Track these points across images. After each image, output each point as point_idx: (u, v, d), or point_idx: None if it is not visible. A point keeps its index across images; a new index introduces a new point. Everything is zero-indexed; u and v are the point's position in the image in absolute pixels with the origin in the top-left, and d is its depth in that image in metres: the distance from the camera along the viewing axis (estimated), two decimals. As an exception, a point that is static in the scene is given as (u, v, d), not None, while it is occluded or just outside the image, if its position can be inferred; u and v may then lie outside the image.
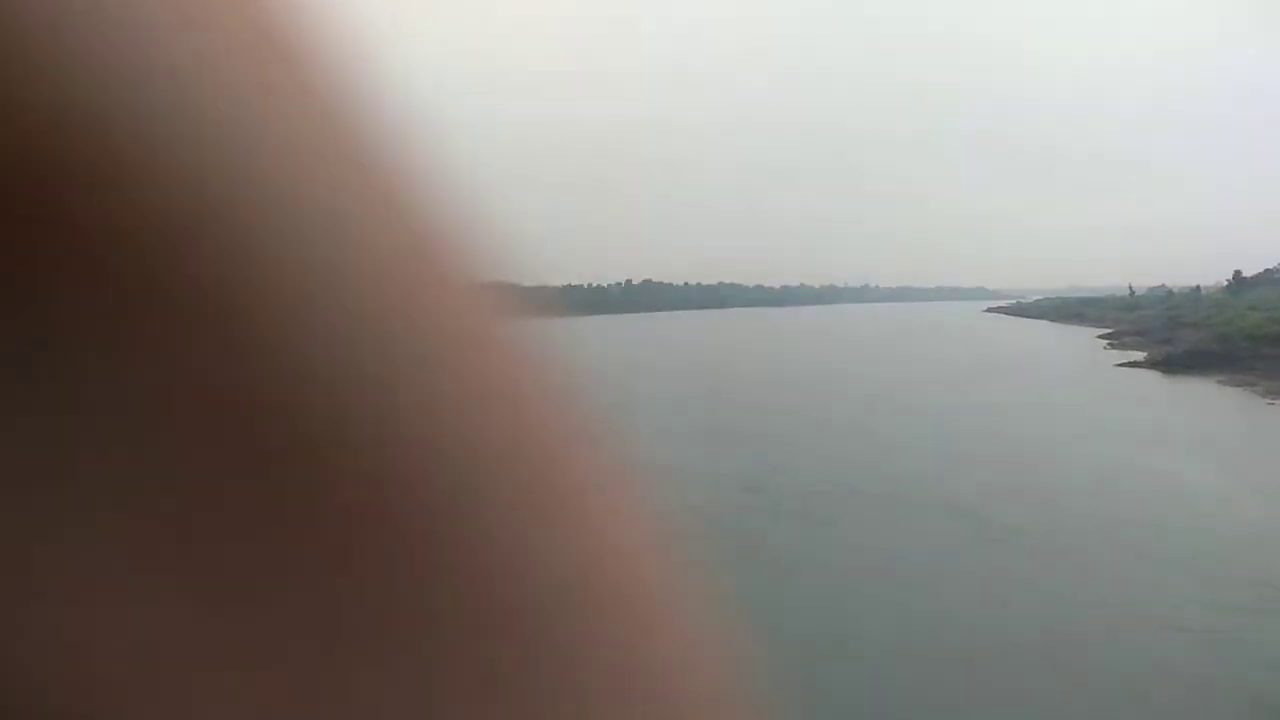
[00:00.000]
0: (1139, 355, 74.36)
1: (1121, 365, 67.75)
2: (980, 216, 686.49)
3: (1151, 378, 60.37)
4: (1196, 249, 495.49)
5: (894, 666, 14.88)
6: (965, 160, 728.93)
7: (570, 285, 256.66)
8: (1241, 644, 15.48)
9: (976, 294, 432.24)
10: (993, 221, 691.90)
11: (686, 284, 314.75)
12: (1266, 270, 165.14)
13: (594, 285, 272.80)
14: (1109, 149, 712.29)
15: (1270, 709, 13.20)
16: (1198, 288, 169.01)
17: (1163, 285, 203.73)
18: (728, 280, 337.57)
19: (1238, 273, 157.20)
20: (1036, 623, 16.51)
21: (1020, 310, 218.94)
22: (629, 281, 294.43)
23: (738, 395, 52.30)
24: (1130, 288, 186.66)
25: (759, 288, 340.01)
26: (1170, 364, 64.09)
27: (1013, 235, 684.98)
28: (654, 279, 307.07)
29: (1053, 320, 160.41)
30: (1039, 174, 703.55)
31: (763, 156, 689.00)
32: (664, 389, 53.57)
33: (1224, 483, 27.78)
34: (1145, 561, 19.91)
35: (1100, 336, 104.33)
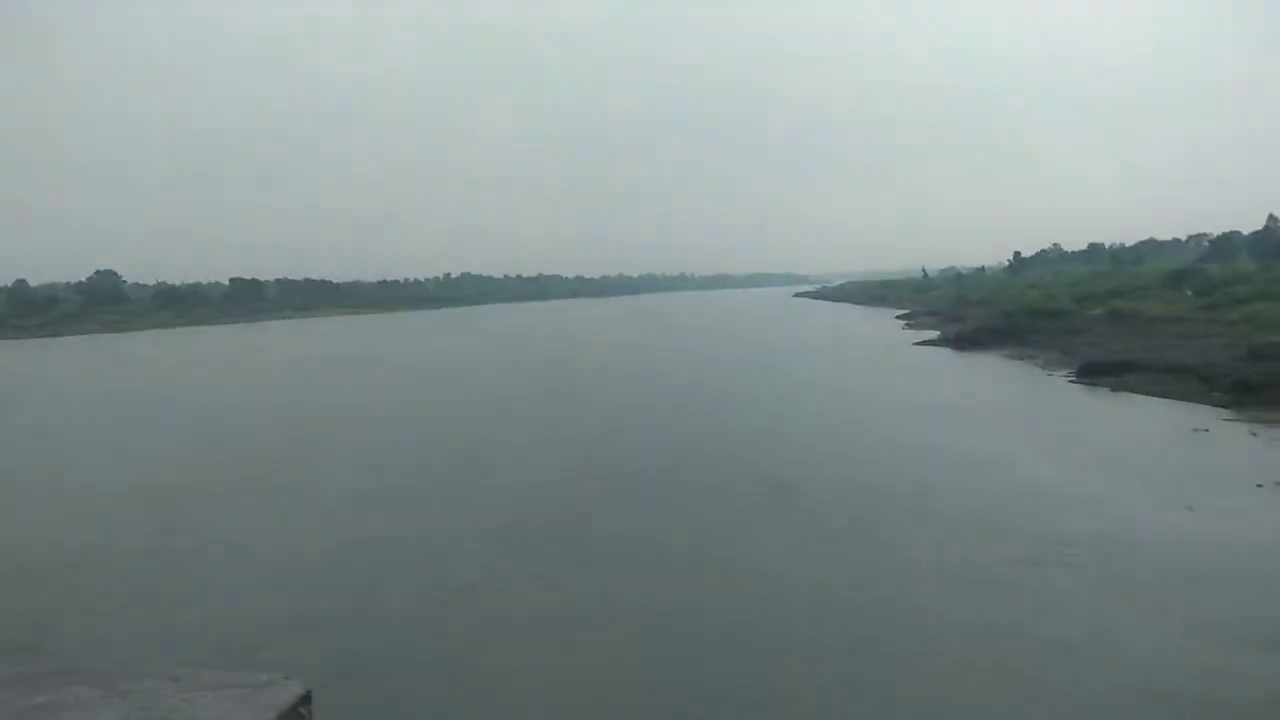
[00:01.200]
0: (934, 334, 79.03)
1: (919, 344, 71.63)
2: (785, 205, 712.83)
3: (945, 354, 64.16)
4: (980, 232, 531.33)
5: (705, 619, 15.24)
6: (763, 149, 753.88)
7: (386, 281, 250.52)
8: (1024, 592, 16.65)
9: (786, 280, 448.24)
10: (796, 210, 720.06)
11: (507, 276, 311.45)
12: (1042, 251, 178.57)
13: (411, 279, 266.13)
14: (894, 142, 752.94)
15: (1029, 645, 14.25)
16: (983, 268, 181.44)
17: (952, 267, 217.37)
18: (548, 272, 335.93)
19: (1017, 254, 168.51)
20: (839, 586, 17.21)
21: (826, 294, 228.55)
22: (447, 275, 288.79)
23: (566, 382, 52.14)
24: (924, 270, 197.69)
25: (579, 279, 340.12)
26: (961, 340, 68.35)
27: (815, 223, 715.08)
28: (473, 271, 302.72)
29: (856, 303, 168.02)
30: (831, 165, 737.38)
31: (574, 143, 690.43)
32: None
33: (1009, 448, 29.87)
34: (946, 522, 21.12)
35: (899, 317, 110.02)
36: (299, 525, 23.24)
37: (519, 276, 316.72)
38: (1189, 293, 71.75)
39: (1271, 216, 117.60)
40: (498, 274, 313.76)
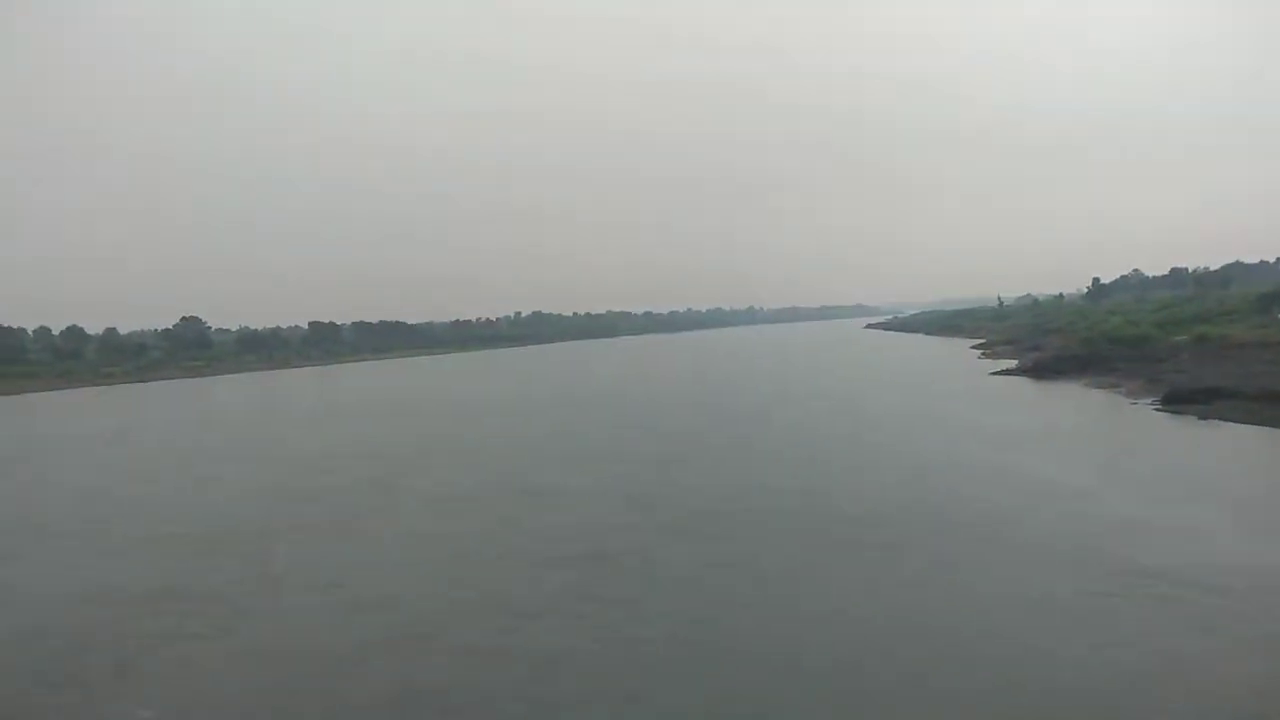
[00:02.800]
0: (1011, 363, 77.65)
1: (996, 373, 70.32)
2: (853, 234, 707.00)
3: (1023, 383, 62.76)
4: (1058, 258, 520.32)
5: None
6: (832, 178, 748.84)
7: (460, 321, 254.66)
8: (1108, 621, 16.08)
9: (856, 311, 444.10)
10: (868, 239, 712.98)
11: (575, 314, 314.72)
12: (1122, 276, 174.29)
13: (484, 319, 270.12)
14: (966, 169, 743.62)
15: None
16: (1060, 295, 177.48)
17: (1028, 294, 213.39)
18: (617, 308, 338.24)
19: (1096, 279, 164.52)
20: (918, 614, 16.83)
21: (899, 325, 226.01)
22: (518, 314, 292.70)
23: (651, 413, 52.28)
24: (999, 298, 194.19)
25: (648, 314, 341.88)
26: (1040, 369, 66.84)
27: (887, 252, 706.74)
28: (543, 310, 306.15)
29: (930, 333, 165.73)
30: (902, 192, 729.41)
31: (642, 177, 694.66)
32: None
33: (1092, 478, 29.01)
34: (1025, 555, 20.55)
35: (974, 346, 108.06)
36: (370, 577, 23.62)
37: (588, 314, 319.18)
38: (1279, 316, 69.36)
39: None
40: (567, 311, 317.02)
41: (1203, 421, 39.76)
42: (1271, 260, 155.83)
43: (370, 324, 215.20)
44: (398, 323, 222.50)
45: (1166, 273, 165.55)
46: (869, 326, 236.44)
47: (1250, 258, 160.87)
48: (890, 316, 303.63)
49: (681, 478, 33.41)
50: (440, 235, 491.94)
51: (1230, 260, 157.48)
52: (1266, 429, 36.58)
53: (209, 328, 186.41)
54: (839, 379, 75.83)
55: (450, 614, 19.12)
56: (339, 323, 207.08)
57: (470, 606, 19.58)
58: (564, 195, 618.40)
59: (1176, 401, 44.11)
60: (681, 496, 29.91)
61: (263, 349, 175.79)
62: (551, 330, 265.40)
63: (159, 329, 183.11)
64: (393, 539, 26.37)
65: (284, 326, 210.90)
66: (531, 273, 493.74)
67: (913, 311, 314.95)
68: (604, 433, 47.93)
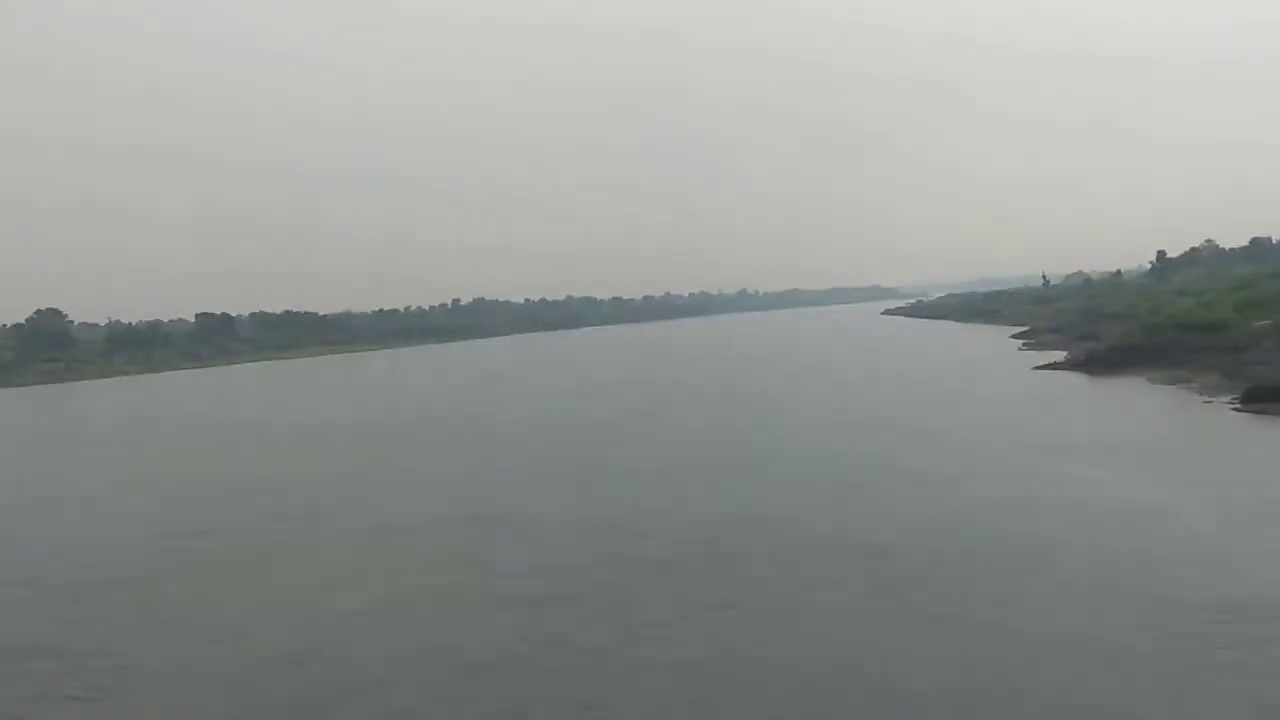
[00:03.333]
0: (1059, 355, 78.31)
1: (1041, 367, 71.11)
2: (867, 204, 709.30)
3: (1075, 380, 63.42)
4: (1114, 229, 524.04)
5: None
6: (842, 140, 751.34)
7: (383, 311, 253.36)
8: (1190, 668, 16.29)
9: (872, 294, 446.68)
10: (883, 209, 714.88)
11: (528, 300, 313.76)
12: (1192, 249, 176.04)
13: (415, 308, 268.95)
14: (1003, 124, 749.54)
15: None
16: (1118, 272, 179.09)
17: (1079, 272, 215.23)
18: (580, 293, 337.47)
19: (1161, 253, 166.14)
20: (950, 662, 16.98)
21: (922, 310, 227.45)
22: (457, 302, 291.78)
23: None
24: (1044, 277, 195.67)
25: (616, 300, 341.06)
26: (1094, 363, 67.57)
27: (906, 224, 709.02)
28: (488, 296, 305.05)
29: (960, 320, 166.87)
30: (924, 155, 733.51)
31: (612, 137, 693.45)
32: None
33: (1160, 495, 29.38)
34: (1082, 591, 20.77)
35: (1015, 336, 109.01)
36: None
37: (543, 300, 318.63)
38: (1383, 294, 70.44)
39: None
40: (518, 298, 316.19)
41: (1292, 424, 40.37)
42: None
43: (273, 315, 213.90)
44: (307, 314, 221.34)
45: (1247, 244, 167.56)
46: (886, 313, 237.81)
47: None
48: (913, 300, 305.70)
49: (667, 500, 33.53)
50: (363, 209, 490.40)
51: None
52: (1369, 432, 37.20)
53: (71, 322, 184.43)
54: (844, 381, 76.22)
55: (383, 668, 19.05)
56: (234, 314, 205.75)
57: (408, 659, 19.52)
58: (515, 164, 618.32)
59: (1260, 400, 44.69)
60: (666, 523, 30.02)
61: (138, 347, 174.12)
62: (498, 321, 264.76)
63: (8, 325, 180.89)
64: (312, 580, 26.24)
65: (166, 320, 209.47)
66: (474, 252, 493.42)
67: (940, 294, 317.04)
68: (565, 447, 47.96)
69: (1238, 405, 45.48)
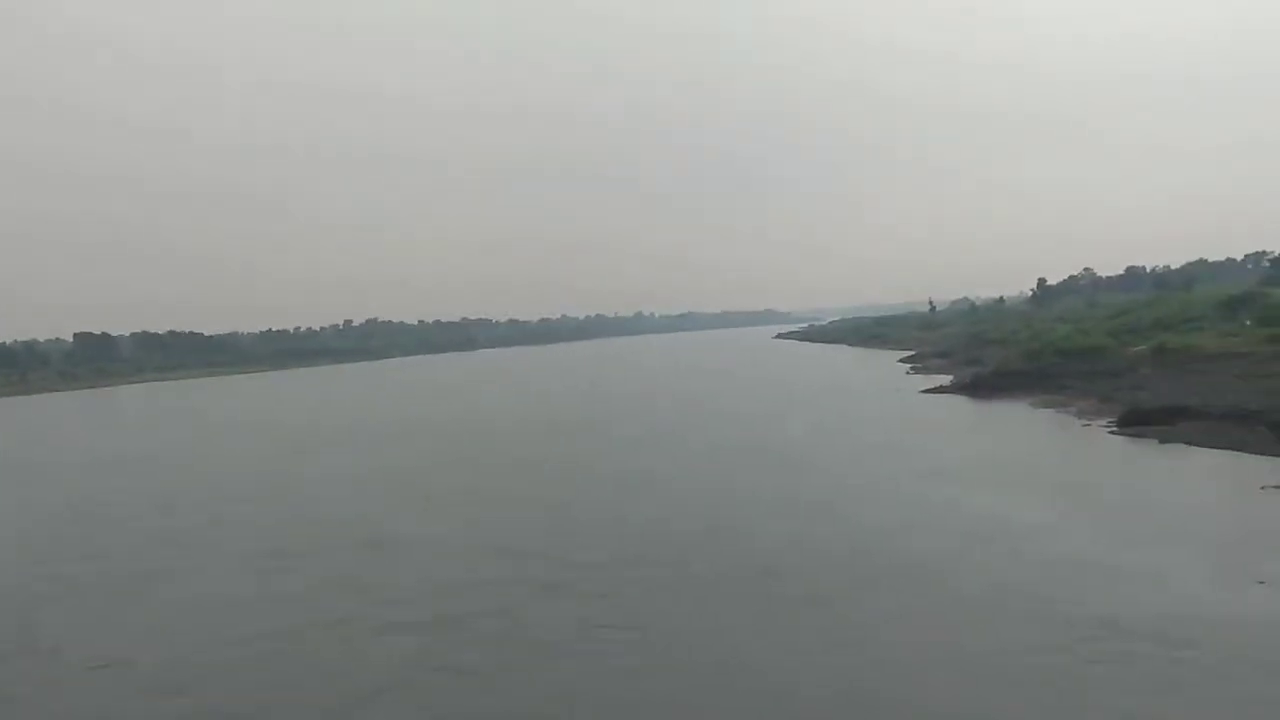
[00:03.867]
0: (945, 379, 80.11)
1: (928, 391, 72.66)
2: (762, 232, 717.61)
3: (960, 403, 64.83)
4: (997, 257, 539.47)
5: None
6: (734, 168, 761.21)
7: (273, 331, 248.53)
8: (1062, 682, 16.69)
9: (765, 318, 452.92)
10: (774, 237, 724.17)
11: (423, 322, 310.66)
12: (1071, 277, 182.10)
13: (304, 329, 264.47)
14: (891, 152, 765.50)
15: None
16: (1001, 299, 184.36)
17: (965, 298, 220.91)
18: (475, 315, 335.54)
19: (1042, 280, 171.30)
20: (828, 691, 17.14)
21: (814, 335, 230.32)
22: (349, 322, 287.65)
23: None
24: (931, 303, 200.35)
25: (513, 323, 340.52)
26: (978, 387, 69.25)
27: (798, 252, 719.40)
28: (381, 317, 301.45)
29: (851, 344, 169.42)
30: (815, 183, 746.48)
31: (511, 162, 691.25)
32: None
33: (1041, 514, 30.13)
34: (966, 607, 21.16)
35: (903, 360, 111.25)
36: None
37: (438, 322, 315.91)
38: (1248, 322, 73.39)
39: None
40: (412, 319, 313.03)
41: (1164, 446, 41.78)
42: (1239, 258, 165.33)
43: (156, 335, 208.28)
44: (192, 334, 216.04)
45: (1122, 272, 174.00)
46: (779, 336, 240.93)
47: (1215, 255, 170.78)
48: (805, 325, 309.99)
49: (560, 521, 33.38)
50: (251, 228, 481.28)
51: (1193, 258, 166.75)
52: (1235, 454, 38.66)
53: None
54: (735, 402, 76.82)
55: (266, 695, 18.59)
56: (115, 334, 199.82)
57: (291, 685, 19.11)
58: (406, 183, 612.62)
59: (1135, 423, 46.27)
60: (559, 545, 29.86)
61: (12, 368, 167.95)
62: (390, 342, 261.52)
63: None
64: (196, 604, 25.64)
65: (42, 340, 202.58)
66: (367, 271, 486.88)
67: (831, 319, 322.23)
68: (454, 473, 47.44)
69: (1115, 428, 46.97)
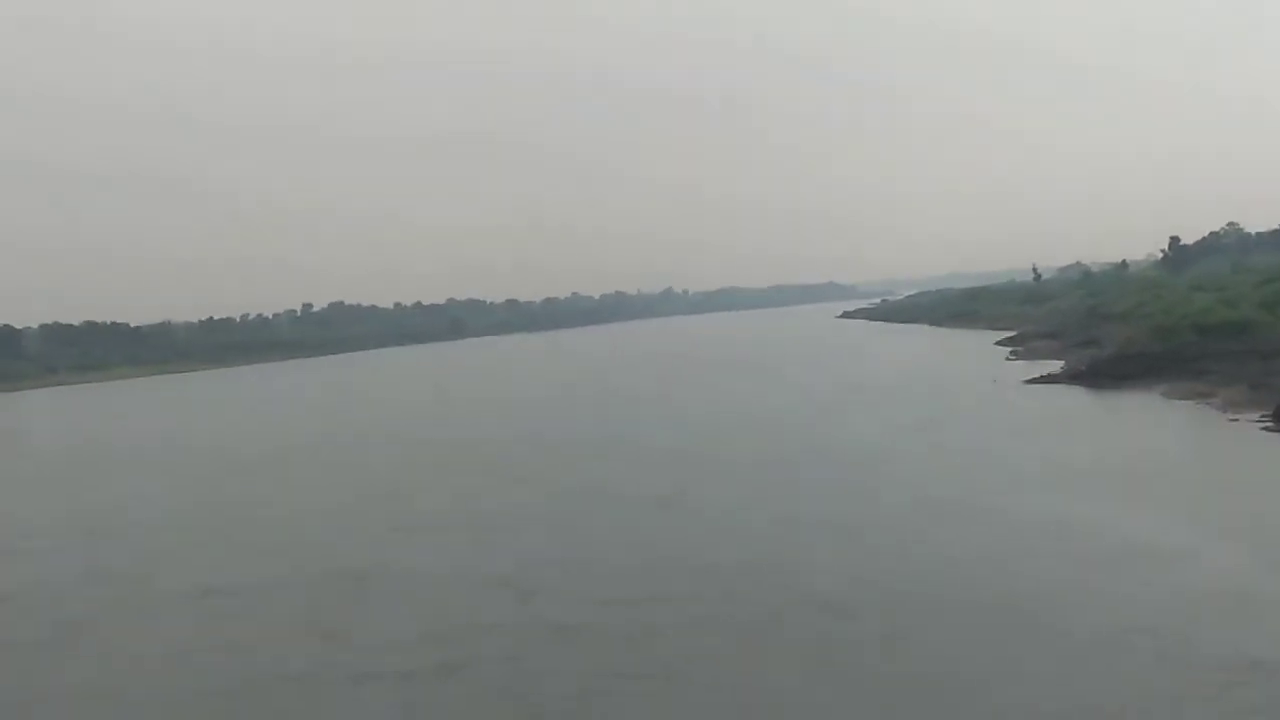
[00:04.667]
0: (1054, 365, 79.85)
1: (1033, 381, 72.35)
2: (821, 185, 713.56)
3: (1074, 396, 64.59)
4: (1119, 210, 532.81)
5: None
6: (791, 111, 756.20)
7: (213, 320, 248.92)
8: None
9: (827, 292, 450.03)
10: (838, 191, 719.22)
11: (399, 305, 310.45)
12: (1212, 234, 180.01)
13: (253, 317, 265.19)
14: (984, 94, 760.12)
15: None
16: (1124, 263, 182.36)
17: (1077, 263, 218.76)
18: (462, 296, 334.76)
19: (1175, 240, 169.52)
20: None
21: (887, 312, 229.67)
22: (308, 308, 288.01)
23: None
24: (1035, 270, 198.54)
25: (510, 304, 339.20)
26: (1096, 375, 68.93)
27: (870, 209, 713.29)
28: (348, 300, 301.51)
29: (933, 323, 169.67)
30: (889, 123, 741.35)
31: (510, 112, 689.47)
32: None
33: (1178, 533, 30.01)
34: (1086, 650, 21.11)
35: (1000, 343, 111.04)
36: None
37: (419, 305, 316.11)
38: None
39: None
40: (386, 303, 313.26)
41: (1333, 446, 41.52)
42: None
43: (70, 327, 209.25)
44: (115, 325, 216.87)
45: (1277, 226, 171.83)
46: (844, 315, 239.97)
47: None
48: (876, 300, 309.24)
49: (575, 546, 33.55)
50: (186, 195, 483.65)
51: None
52: None
53: None
54: (795, 398, 76.72)
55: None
56: (19, 326, 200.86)
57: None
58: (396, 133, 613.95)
59: (1295, 417, 45.88)
60: (573, 578, 30.01)
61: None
62: (359, 331, 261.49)
63: None
64: (139, 655, 26.03)
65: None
66: (328, 245, 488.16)
67: (909, 292, 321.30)
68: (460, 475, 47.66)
69: (1269, 424, 46.65)
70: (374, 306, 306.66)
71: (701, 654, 23.33)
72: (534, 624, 26.30)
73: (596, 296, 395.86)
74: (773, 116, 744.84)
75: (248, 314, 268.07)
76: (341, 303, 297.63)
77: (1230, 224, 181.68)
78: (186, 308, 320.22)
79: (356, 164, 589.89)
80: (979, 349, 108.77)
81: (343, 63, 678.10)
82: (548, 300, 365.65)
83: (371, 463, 58.09)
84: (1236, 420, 49.07)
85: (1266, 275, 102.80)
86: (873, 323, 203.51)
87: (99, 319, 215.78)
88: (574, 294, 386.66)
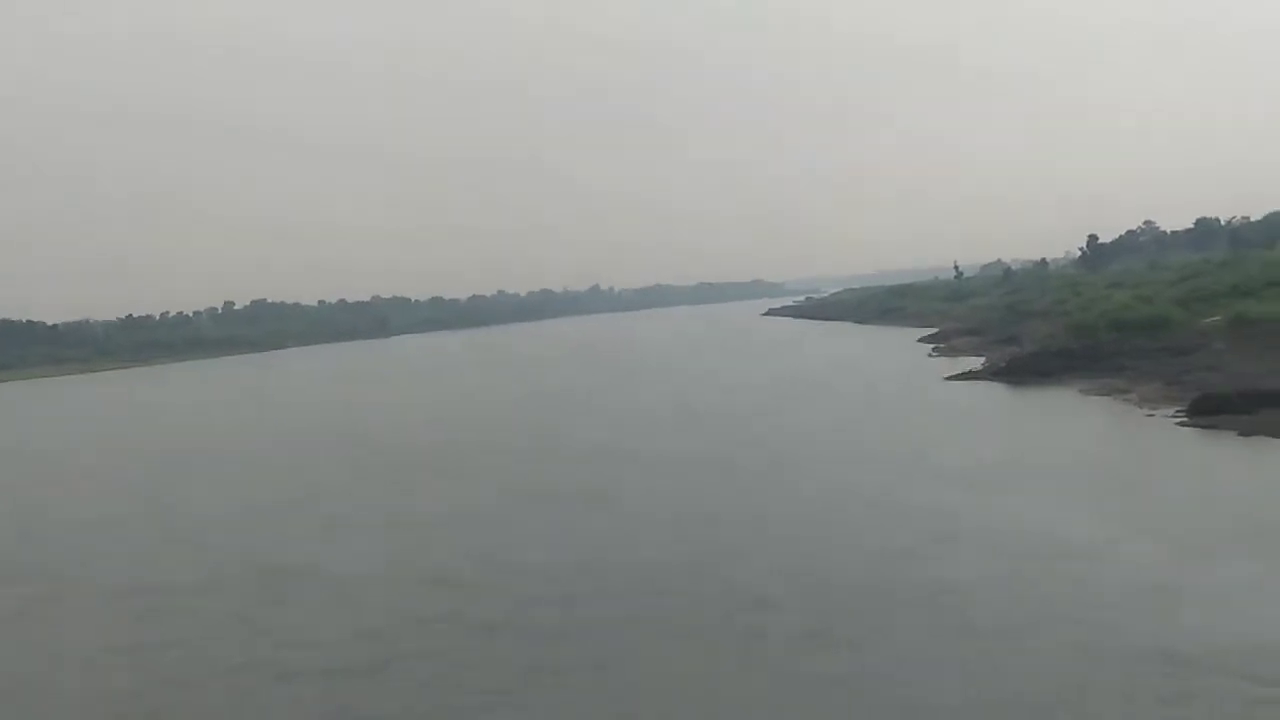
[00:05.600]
0: (976, 361, 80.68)
1: (954, 378, 73.10)
2: (748, 185, 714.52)
3: (993, 392, 65.31)
4: (1039, 209, 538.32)
5: None
6: (715, 106, 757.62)
7: (132, 318, 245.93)
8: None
9: (751, 291, 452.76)
10: (764, 192, 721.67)
11: (323, 303, 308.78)
12: (1129, 233, 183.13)
13: (173, 314, 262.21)
14: (902, 83, 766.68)
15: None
16: (1043, 261, 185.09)
17: (998, 261, 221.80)
18: (388, 294, 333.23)
19: (1093, 238, 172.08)
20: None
21: (813, 309, 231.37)
22: (230, 305, 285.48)
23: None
24: (957, 267, 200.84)
25: (435, 301, 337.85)
26: (1016, 371, 69.80)
27: (793, 209, 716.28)
28: (271, 298, 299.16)
29: (858, 320, 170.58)
30: (814, 118, 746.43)
31: (436, 106, 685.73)
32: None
33: (1096, 527, 30.42)
34: (1005, 643, 21.38)
35: (923, 340, 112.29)
36: None
37: (343, 302, 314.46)
38: (1346, 285, 74.09)
39: None
40: (310, 300, 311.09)
41: (1245, 439, 42.23)
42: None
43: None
44: (27, 323, 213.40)
45: (1191, 225, 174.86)
46: (770, 313, 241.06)
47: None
48: (803, 298, 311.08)
49: (507, 545, 33.49)
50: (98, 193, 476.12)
51: (1278, 207, 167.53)
52: (1331, 447, 39.17)
53: None
54: (704, 399, 76.93)
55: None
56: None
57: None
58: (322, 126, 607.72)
59: (1208, 412, 46.65)
60: (507, 574, 29.97)
61: None
62: (281, 328, 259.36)
63: None
64: (51, 659, 25.72)
65: None
66: (251, 243, 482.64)
67: (835, 290, 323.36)
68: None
69: (1184, 418, 47.39)
70: (297, 304, 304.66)
71: (626, 649, 23.39)
72: (461, 620, 26.24)
73: (523, 294, 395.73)
74: (697, 119, 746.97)
75: (167, 312, 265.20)
76: (265, 300, 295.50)
77: (1146, 223, 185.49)
78: (106, 306, 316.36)
79: (279, 163, 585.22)
80: (902, 346, 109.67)
81: (264, 58, 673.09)
82: (474, 297, 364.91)
83: (292, 464, 57.66)
84: (1153, 415, 49.77)
85: (1181, 273, 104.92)
86: (798, 320, 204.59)
87: (14, 317, 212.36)
88: (500, 291, 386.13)
